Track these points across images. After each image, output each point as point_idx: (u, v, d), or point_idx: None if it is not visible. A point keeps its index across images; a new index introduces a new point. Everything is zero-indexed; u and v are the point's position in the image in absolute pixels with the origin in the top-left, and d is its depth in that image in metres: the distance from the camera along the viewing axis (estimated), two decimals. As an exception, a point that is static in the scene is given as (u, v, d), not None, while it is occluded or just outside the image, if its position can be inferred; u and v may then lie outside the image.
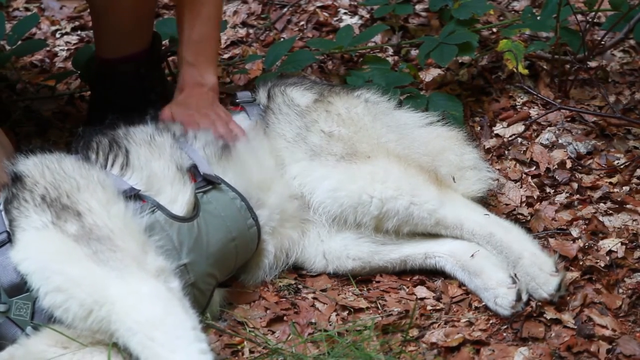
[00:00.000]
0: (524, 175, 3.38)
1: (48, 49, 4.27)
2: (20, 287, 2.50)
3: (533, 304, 2.80)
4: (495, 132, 3.63)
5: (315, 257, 3.04)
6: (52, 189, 2.61)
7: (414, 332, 2.76)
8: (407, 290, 2.97)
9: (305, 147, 3.05)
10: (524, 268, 2.86)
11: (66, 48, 4.35)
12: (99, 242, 2.50)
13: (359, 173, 2.99)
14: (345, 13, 4.49)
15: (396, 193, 2.96)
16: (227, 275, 2.89)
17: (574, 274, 2.92)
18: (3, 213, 2.61)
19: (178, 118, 3.08)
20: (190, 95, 3.19)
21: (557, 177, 3.36)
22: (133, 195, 2.69)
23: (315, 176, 3.01)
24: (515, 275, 2.85)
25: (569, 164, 3.40)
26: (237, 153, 2.99)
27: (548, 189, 3.32)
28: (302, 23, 4.43)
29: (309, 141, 3.05)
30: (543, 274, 2.84)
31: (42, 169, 2.67)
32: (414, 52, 4.10)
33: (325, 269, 3.04)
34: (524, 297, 2.81)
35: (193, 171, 2.87)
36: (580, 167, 3.40)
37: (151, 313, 2.41)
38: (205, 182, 2.86)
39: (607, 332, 2.72)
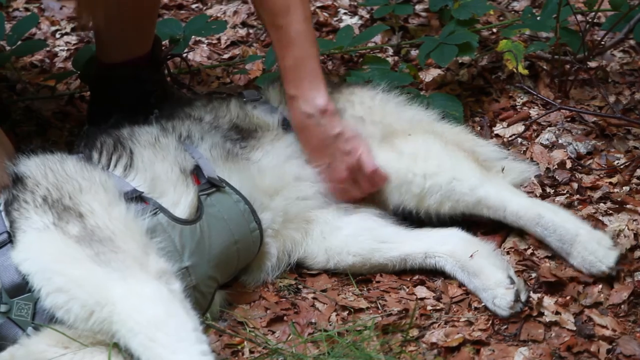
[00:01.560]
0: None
1: (48, 49, 4.27)
2: (21, 288, 2.49)
3: (531, 304, 2.81)
4: (495, 132, 3.63)
5: (317, 253, 3.04)
6: (54, 190, 2.61)
7: (414, 332, 2.76)
8: (407, 290, 2.97)
9: None
10: (582, 244, 2.88)
11: (66, 48, 4.35)
12: (100, 244, 2.50)
13: (403, 150, 3.02)
14: (345, 13, 4.49)
15: (438, 169, 3.00)
16: (228, 278, 2.89)
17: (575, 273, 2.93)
18: (3, 214, 2.61)
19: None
20: (305, 143, 3.01)
21: (557, 177, 3.36)
22: (135, 197, 2.69)
23: None
24: (513, 276, 2.85)
25: (569, 164, 3.40)
26: (249, 162, 2.99)
27: (548, 189, 3.31)
28: (302, 23, 4.43)
29: None
30: (602, 248, 2.87)
31: (44, 170, 2.67)
32: (414, 52, 4.11)
33: (327, 264, 3.04)
34: (523, 298, 2.81)
35: (197, 173, 2.86)
36: (580, 167, 3.40)
37: (153, 314, 2.40)
38: (209, 185, 2.85)
39: (607, 332, 2.72)
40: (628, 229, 3.04)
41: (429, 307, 2.88)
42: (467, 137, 3.26)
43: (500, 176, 3.13)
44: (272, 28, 2.97)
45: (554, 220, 2.95)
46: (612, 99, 3.72)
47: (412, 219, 3.09)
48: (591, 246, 2.88)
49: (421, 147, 3.03)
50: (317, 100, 2.96)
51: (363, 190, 3.06)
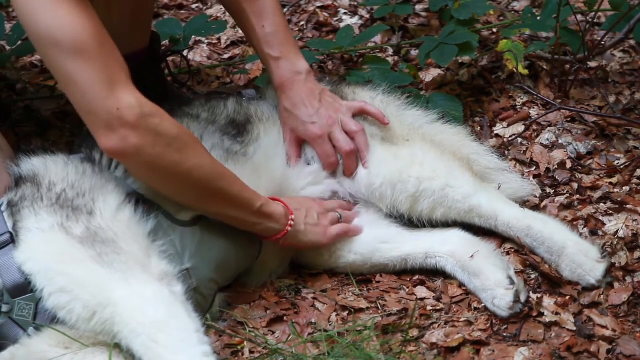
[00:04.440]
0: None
1: (48, 49, 4.26)
2: (24, 288, 2.50)
3: (531, 304, 2.81)
4: (495, 132, 3.63)
5: (317, 251, 3.04)
6: (69, 190, 2.61)
7: (414, 332, 2.76)
8: (407, 290, 2.97)
9: None
10: (569, 257, 2.88)
11: (66, 48, 4.34)
12: (103, 245, 2.51)
13: (400, 153, 3.03)
14: (345, 13, 4.49)
15: (433, 174, 3.00)
16: (229, 281, 2.88)
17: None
18: (5, 214, 2.61)
19: (305, 136, 3.04)
20: (293, 96, 3.05)
21: (557, 177, 3.36)
22: (137, 200, 2.69)
23: None
24: (513, 276, 2.85)
25: (569, 164, 3.40)
26: (245, 158, 2.98)
27: (548, 189, 3.32)
28: (302, 23, 4.44)
29: None
30: (589, 260, 2.87)
31: (56, 169, 2.67)
32: (414, 52, 4.11)
33: (327, 261, 3.04)
34: (522, 298, 2.81)
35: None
36: (580, 167, 3.41)
37: (155, 315, 2.41)
38: None
39: (607, 332, 2.72)
40: (627, 228, 3.05)
41: (429, 307, 2.88)
42: (467, 144, 3.25)
43: (494, 187, 3.12)
44: (247, 2, 3.11)
45: (542, 231, 2.95)
46: (612, 99, 3.73)
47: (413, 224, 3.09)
48: (578, 259, 2.87)
49: (418, 153, 3.04)
50: (301, 63, 3.10)
51: (340, 148, 3.03)
